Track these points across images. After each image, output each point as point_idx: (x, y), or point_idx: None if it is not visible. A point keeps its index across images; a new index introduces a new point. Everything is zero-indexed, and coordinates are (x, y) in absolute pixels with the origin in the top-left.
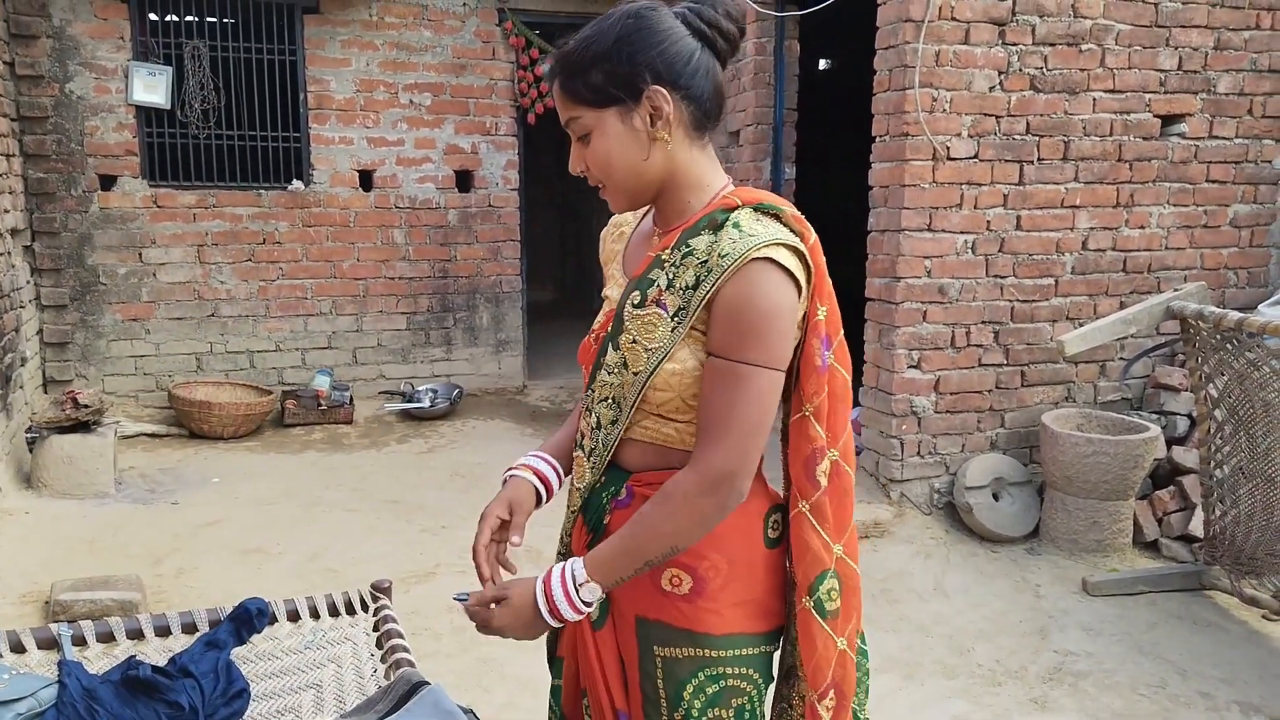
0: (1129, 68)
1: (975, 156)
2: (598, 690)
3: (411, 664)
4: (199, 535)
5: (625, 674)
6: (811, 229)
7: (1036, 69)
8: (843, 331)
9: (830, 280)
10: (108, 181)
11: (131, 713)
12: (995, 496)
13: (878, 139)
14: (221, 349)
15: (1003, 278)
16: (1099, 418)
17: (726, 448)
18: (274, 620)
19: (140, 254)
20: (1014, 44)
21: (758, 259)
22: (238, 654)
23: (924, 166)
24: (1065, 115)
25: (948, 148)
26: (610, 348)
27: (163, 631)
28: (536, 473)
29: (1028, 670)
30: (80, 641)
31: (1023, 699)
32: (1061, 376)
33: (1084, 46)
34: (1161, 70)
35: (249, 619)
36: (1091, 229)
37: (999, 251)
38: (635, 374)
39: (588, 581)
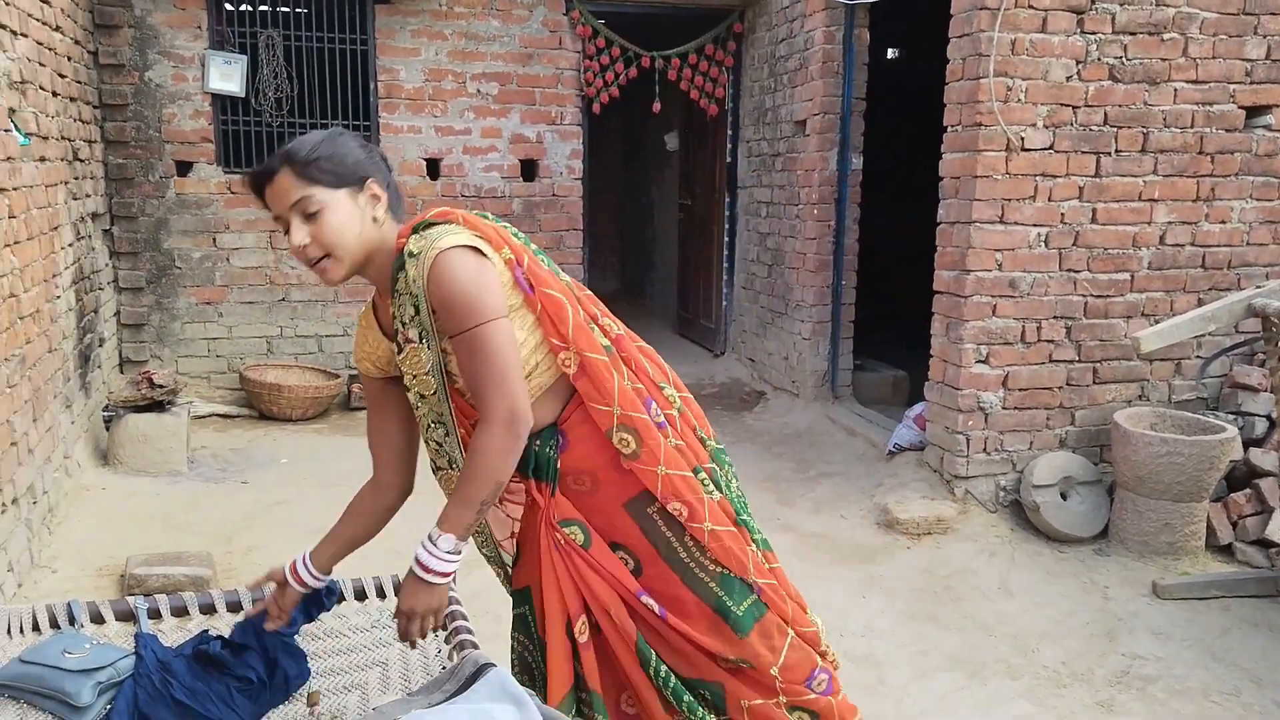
0: (1213, 57)
1: (1050, 147)
2: (609, 593)
3: (475, 645)
4: (268, 514)
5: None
6: (455, 211)
7: (1116, 58)
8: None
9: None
10: (184, 168)
11: (203, 685)
12: (1063, 495)
13: (949, 129)
14: (291, 333)
15: (1076, 272)
16: (1173, 417)
17: (499, 395)
18: (342, 599)
19: (214, 239)
20: (1093, 33)
21: (433, 262)
22: (307, 630)
23: (997, 157)
24: (1145, 106)
25: (1022, 138)
26: (410, 393)
27: (234, 607)
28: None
29: (1094, 673)
30: (155, 615)
31: (1089, 702)
32: (1135, 374)
33: (1166, 35)
34: (1248, 60)
35: (318, 597)
36: (1170, 223)
37: (1073, 245)
38: (433, 395)
39: (441, 534)
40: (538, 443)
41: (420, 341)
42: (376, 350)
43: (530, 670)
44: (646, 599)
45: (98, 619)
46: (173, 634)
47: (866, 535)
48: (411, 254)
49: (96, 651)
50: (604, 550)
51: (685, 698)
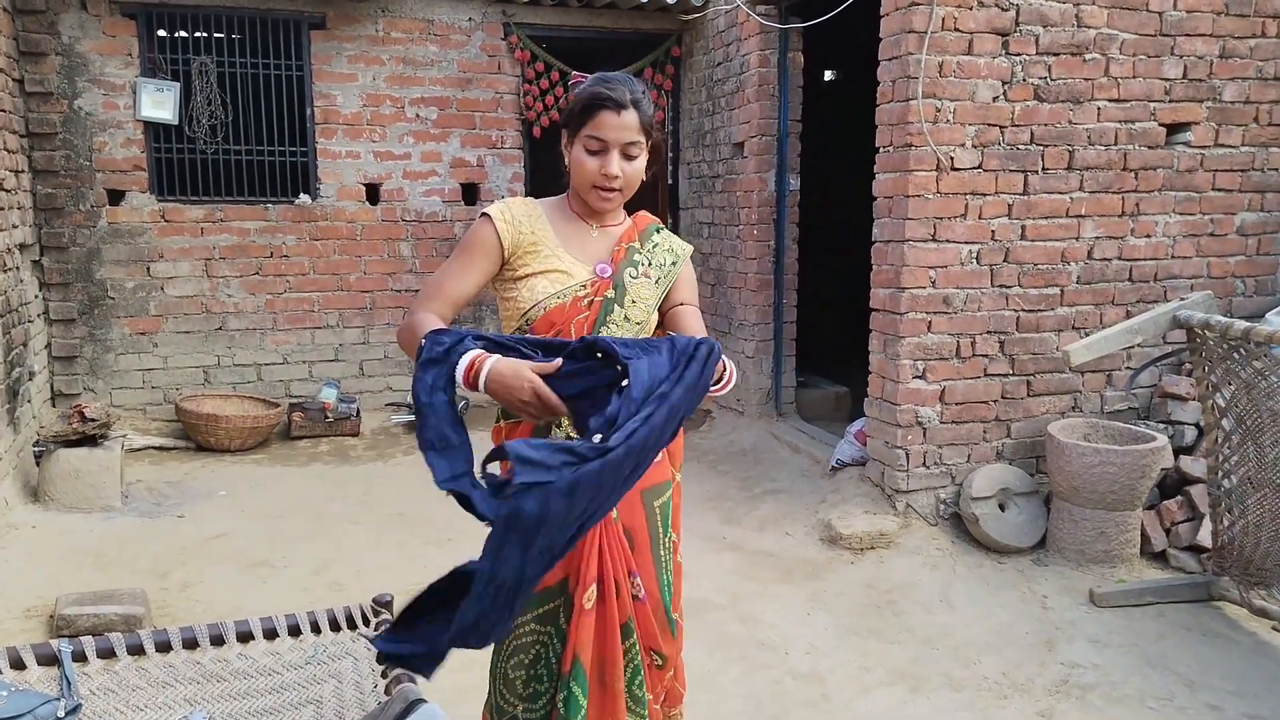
0: (1133, 77)
1: (979, 167)
2: (621, 567)
3: (412, 680)
4: (205, 548)
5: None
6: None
7: (1041, 78)
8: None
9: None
10: (116, 196)
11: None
12: (1001, 507)
13: (881, 150)
14: (229, 362)
15: (1008, 287)
16: (1106, 427)
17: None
18: (272, 636)
19: (148, 268)
20: (1018, 54)
21: (690, 253)
22: (235, 669)
23: (928, 177)
24: (1070, 125)
25: (951, 158)
26: (615, 305)
27: (163, 647)
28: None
29: (1034, 683)
30: (80, 658)
31: (1029, 712)
32: (1068, 386)
33: (1088, 56)
34: (1166, 79)
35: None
36: (1097, 238)
37: (1004, 261)
38: (642, 322)
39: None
40: None
41: (654, 281)
42: (541, 243)
43: (548, 662)
44: (637, 580)
45: (18, 664)
46: (98, 677)
47: (811, 551)
48: (659, 230)
49: (14, 699)
50: (618, 527)
51: (639, 677)
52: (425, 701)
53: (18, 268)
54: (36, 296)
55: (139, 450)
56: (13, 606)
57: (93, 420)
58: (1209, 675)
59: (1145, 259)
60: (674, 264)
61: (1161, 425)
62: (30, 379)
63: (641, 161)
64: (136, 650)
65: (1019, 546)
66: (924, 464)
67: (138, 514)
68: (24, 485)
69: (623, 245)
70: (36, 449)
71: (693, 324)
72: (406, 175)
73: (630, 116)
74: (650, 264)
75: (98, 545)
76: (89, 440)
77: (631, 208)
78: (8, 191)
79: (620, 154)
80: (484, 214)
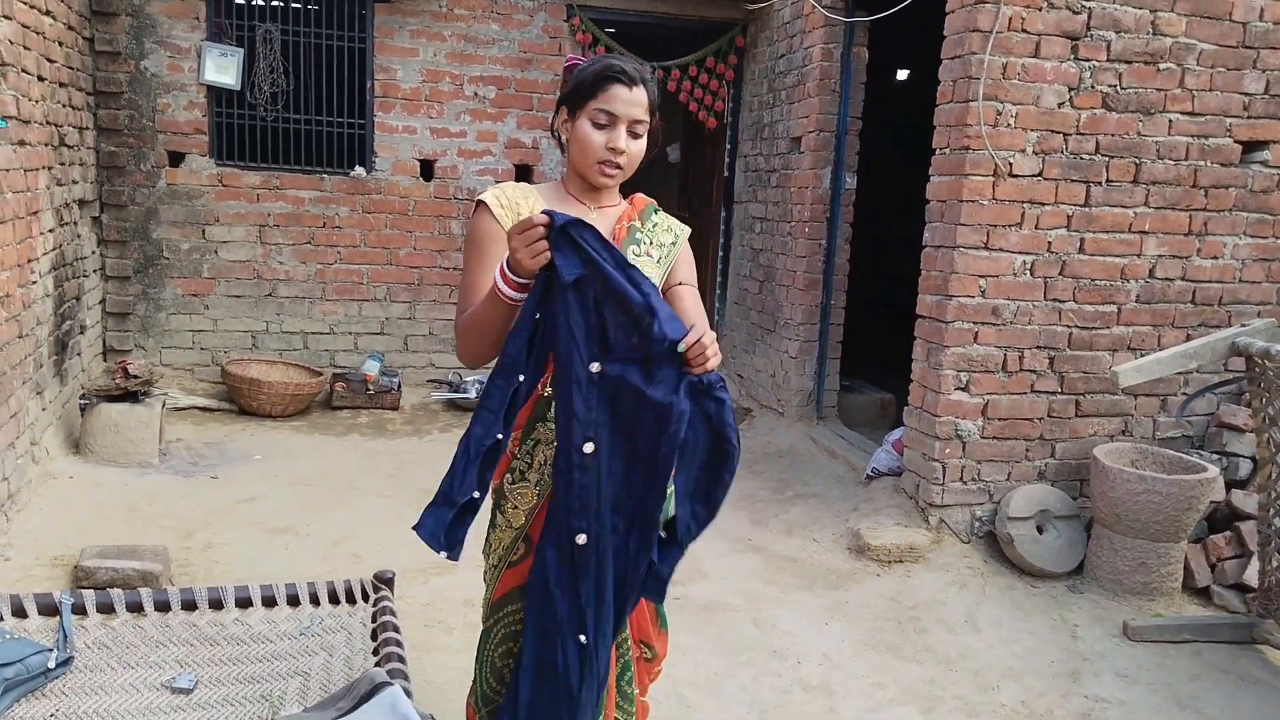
0: (1210, 89)
1: (1039, 174)
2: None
3: (402, 659)
4: (233, 511)
5: None
6: None
7: (1110, 86)
8: None
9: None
10: (176, 158)
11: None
12: (1039, 529)
13: (938, 151)
14: (277, 328)
15: (1062, 302)
16: (1155, 454)
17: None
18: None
19: (204, 231)
20: (1087, 59)
21: (688, 235)
22: (228, 634)
23: (984, 182)
24: (1138, 136)
25: (1010, 164)
26: None
27: (162, 607)
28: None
29: (1054, 715)
30: (80, 610)
31: None
32: (1119, 409)
33: (1162, 65)
34: (1246, 94)
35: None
36: (1160, 256)
37: (1059, 274)
38: None
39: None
40: None
41: (655, 261)
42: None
43: None
44: None
45: (19, 613)
46: (95, 631)
47: (837, 560)
48: (656, 210)
49: (7, 645)
50: None
51: (628, 673)
52: (391, 684)
53: (75, 222)
54: (94, 252)
55: (183, 409)
56: (41, 554)
57: (136, 377)
58: None
59: (1210, 281)
60: (674, 244)
61: (1215, 456)
62: (82, 333)
63: (644, 143)
64: (135, 608)
65: (1054, 571)
66: (961, 479)
67: (173, 472)
68: (67, 436)
69: (624, 224)
70: (82, 401)
71: (691, 304)
72: (461, 153)
73: (640, 94)
74: (651, 243)
75: (130, 500)
76: (131, 396)
77: (689, 198)
78: (70, 148)
79: (627, 131)
80: (479, 201)
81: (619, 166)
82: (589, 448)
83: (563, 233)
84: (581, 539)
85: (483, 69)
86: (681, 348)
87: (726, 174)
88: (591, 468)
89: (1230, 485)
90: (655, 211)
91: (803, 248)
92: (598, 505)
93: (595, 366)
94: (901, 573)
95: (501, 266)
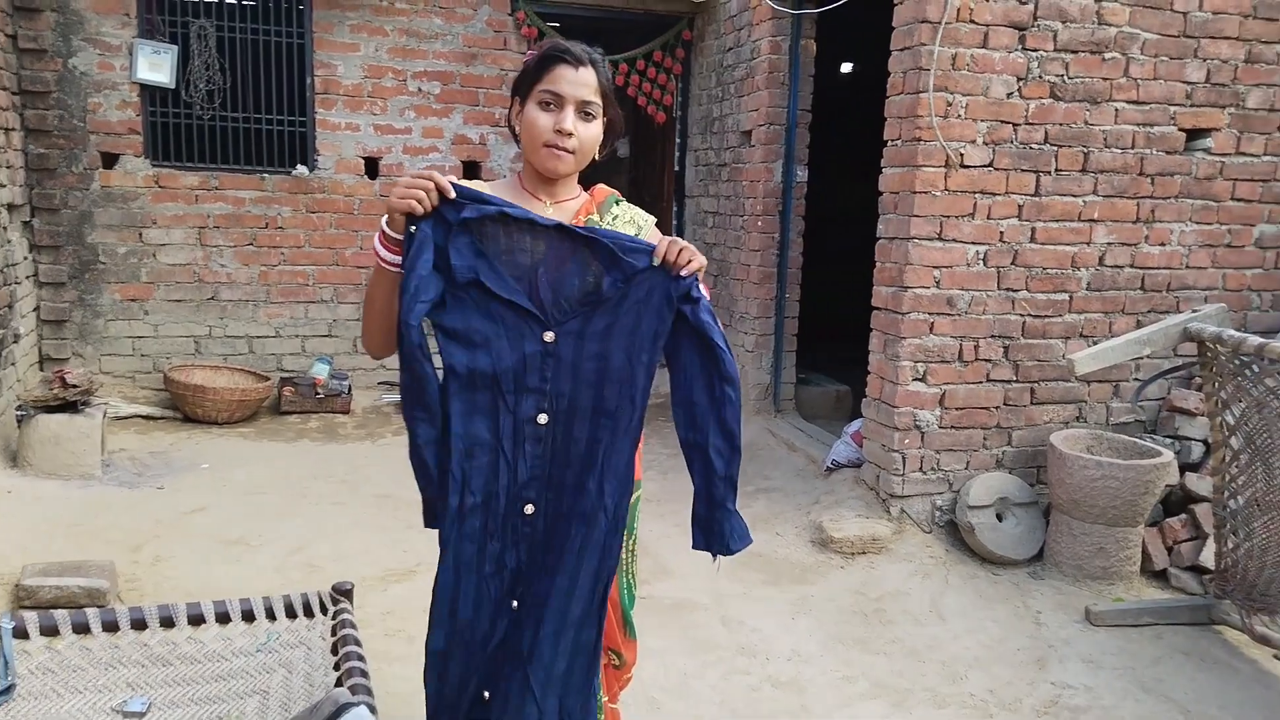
0: (1154, 78)
1: (990, 165)
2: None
3: (365, 673)
4: (181, 522)
5: None
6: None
7: (1057, 76)
8: None
9: None
10: (110, 159)
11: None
12: (999, 517)
13: (889, 143)
14: (220, 333)
15: (1015, 291)
16: (1110, 440)
17: None
18: (225, 620)
19: (141, 234)
20: (1034, 50)
21: (654, 225)
22: (183, 653)
23: (936, 173)
24: (1086, 125)
25: (961, 154)
26: None
27: (110, 627)
28: None
29: (1022, 703)
30: (22, 634)
31: None
32: (1073, 396)
33: (1108, 55)
34: (1188, 82)
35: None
36: (1109, 244)
37: (1011, 264)
38: None
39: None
40: None
41: None
42: None
43: None
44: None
45: None
46: (39, 655)
47: (800, 554)
48: (618, 202)
49: None
50: None
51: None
52: (355, 705)
53: (4, 227)
54: (25, 258)
55: (125, 418)
56: None
57: (75, 386)
58: (1205, 703)
59: (1159, 268)
60: (637, 234)
61: (1169, 440)
62: (15, 341)
63: (598, 127)
64: (82, 629)
65: (1015, 558)
66: (920, 469)
67: (117, 483)
68: (3, 449)
69: (580, 218)
70: (18, 413)
71: None
72: (407, 150)
73: (587, 74)
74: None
75: (72, 514)
76: (70, 406)
77: (640, 194)
78: None
79: (576, 112)
80: None
81: (569, 151)
82: (543, 419)
83: (464, 223)
84: (529, 509)
85: (426, 64)
86: (656, 261)
87: (677, 169)
88: (545, 438)
89: (1184, 469)
90: (617, 203)
91: (756, 241)
92: (548, 473)
93: (549, 336)
94: (865, 564)
95: (381, 227)
